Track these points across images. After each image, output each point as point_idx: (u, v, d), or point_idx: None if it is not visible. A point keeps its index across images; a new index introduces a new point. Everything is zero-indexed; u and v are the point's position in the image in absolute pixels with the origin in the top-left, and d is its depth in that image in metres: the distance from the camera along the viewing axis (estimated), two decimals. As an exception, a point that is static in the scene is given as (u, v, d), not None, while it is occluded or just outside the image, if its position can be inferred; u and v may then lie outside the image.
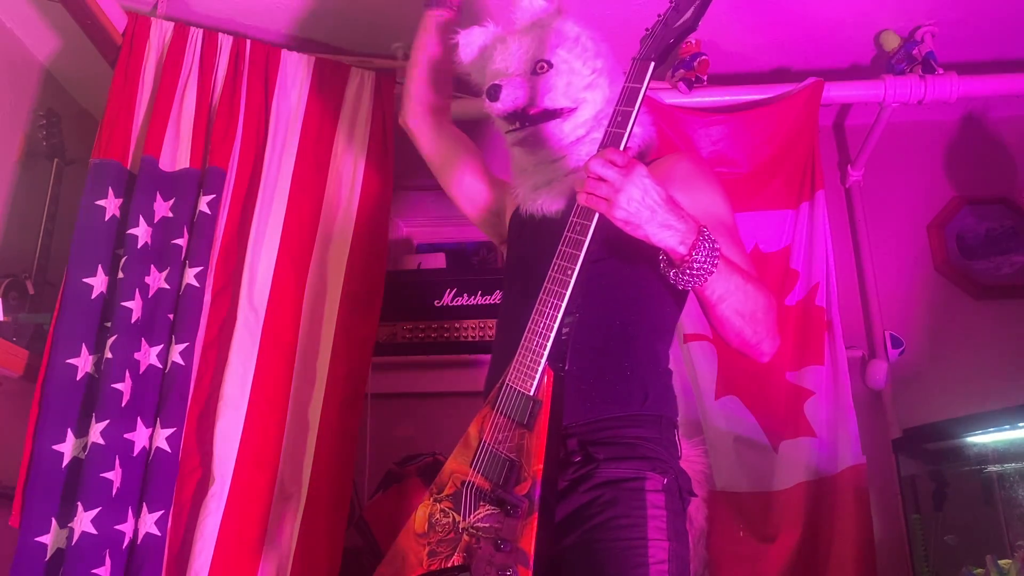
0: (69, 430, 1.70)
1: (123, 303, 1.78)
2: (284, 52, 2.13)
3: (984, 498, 2.07)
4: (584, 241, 1.23)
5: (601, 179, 1.20)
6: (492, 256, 2.80)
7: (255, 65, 2.08)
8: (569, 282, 1.23)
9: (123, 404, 1.74)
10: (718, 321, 1.34)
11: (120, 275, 1.82)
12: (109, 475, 1.69)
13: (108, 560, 1.66)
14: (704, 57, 2.25)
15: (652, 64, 1.25)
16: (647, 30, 1.28)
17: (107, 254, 1.84)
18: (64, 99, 2.37)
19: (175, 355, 1.83)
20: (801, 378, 2.17)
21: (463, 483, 1.28)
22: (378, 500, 2.15)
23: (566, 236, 1.26)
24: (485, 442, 1.28)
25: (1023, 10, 2.23)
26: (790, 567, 2.04)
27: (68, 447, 1.70)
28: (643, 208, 1.20)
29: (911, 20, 2.26)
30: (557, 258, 1.26)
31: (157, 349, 1.83)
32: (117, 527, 1.69)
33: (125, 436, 1.74)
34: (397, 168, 2.19)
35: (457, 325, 2.42)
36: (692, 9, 1.23)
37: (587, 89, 1.44)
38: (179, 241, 1.91)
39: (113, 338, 1.75)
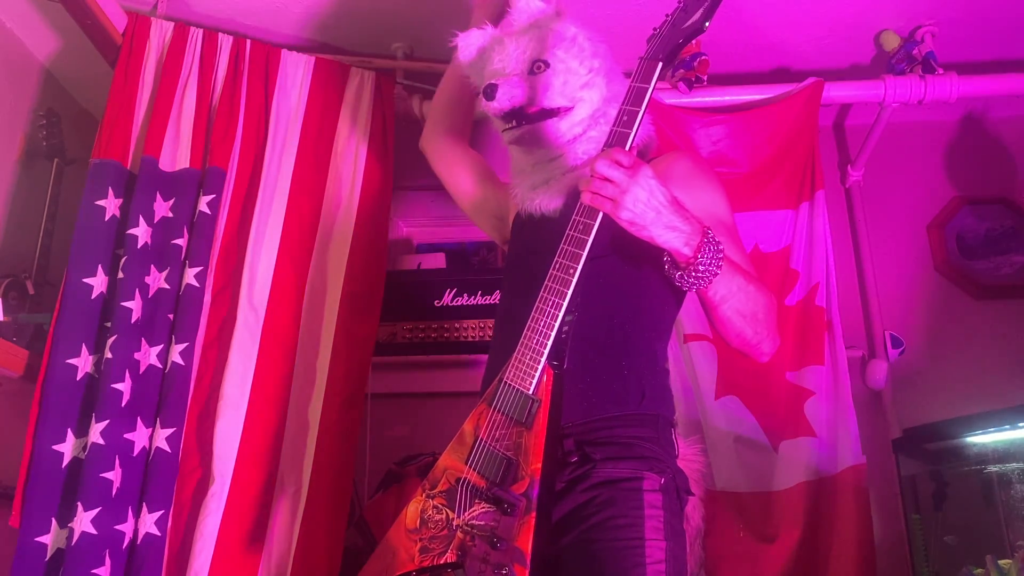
0: (69, 430, 1.71)
1: (123, 303, 1.79)
2: (284, 52, 2.13)
3: (984, 498, 2.07)
4: (587, 240, 1.23)
5: (607, 179, 1.20)
6: (492, 256, 2.80)
7: (255, 65, 2.08)
8: (571, 281, 1.23)
9: (123, 404, 1.74)
10: (720, 322, 1.34)
11: (120, 275, 1.82)
12: (109, 475, 1.69)
13: (108, 560, 1.66)
14: (704, 57, 2.25)
15: (660, 64, 1.24)
16: (654, 30, 1.27)
17: (107, 254, 1.84)
18: (64, 99, 2.37)
19: (175, 355, 1.84)
20: (801, 378, 2.17)
21: (457, 480, 1.27)
22: (378, 500, 2.15)
23: (569, 235, 1.25)
24: (481, 439, 1.27)
25: (1023, 10, 2.23)
26: (790, 567, 2.04)
27: (68, 447, 1.70)
28: (649, 209, 1.20)
29: (911, 20, 2.26)
30: (559, 256, 1.25)
31: (157, 349, 1.84)
32: (117, 527, 1.70)
33: (125, 436, 1.74)
34: (397, 168, 2.19)
35: (457, 325, 2.42)
36: (701, 10, 1.21)
37: (584, 88, 1.44)
38: (179, 241, 1.91)
39: (113, 338, 1.76)
